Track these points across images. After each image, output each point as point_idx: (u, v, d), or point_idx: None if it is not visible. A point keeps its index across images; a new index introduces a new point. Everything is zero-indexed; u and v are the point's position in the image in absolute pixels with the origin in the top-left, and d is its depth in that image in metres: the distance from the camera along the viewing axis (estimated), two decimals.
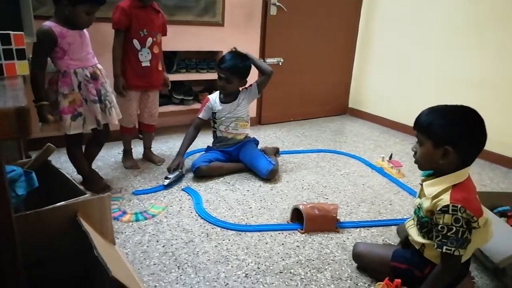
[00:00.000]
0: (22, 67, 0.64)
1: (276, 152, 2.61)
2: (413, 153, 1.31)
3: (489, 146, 1.23)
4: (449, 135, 1.16)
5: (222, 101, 2.31)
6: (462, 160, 1.19)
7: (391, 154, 2.58)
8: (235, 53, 2.23)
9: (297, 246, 1.62)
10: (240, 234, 1.68)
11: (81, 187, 1.03)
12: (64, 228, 0.89)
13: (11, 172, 0.90)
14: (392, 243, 1.65)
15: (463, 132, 1.16)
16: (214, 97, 2.33)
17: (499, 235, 1.33)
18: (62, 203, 0.90)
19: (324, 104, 3.75)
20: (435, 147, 1.18)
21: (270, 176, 2.20)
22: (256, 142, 2.45)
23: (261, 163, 2.22)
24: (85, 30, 1.77)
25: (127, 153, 2.35)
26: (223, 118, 2.29)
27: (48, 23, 1.65)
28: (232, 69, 2.18)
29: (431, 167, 1.25)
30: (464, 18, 2.79)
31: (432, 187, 1.22)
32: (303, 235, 1.69)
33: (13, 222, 0.61)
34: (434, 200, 1.19)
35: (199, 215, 1.81)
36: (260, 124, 3.37)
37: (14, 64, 0.63)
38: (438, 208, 1.16)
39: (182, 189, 2.06)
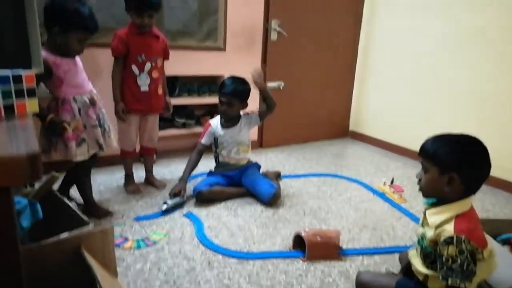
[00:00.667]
0: (32, 105, 0.66)
1: (278, 176, 2.61)
2: (416, 179, 1.31)
3: (491, 170, 1.24)
4: (455, 162, 1.17)
5: (224, 126, 2.32)
6: (467, 188, 1.19)
7: (393, 178, 2.58)
8: (234, 77, 2.28)
9: (299, 274, 1.60)
10: (242, 262, 1.66)
11: (84, 217, 1.03)
12: (67, 261, 0.89)
13: (16, 204, 0.90)
14: (395, 272, 1.63)
15: (469, 160, 1.17)
16: (215, 122, 2.35)
17: (502, 264, 1.31)
18: (66, 235, 0.90)
19: (325, 127, 3.77)
20: (441, 174, 1.19)
21: (273, 201, 2.19)
22: (258, 166, 2.45)
23: (263, 188, 2.22)
24: (77, 57, 1.79)
25: (129, 177, 2.35)
26: (225, 143, 2.30)
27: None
28: (233, 92, 2.21)
29: (436, 194, 1.25)
30: (461, 38, 2.83)
31: (435, 216, 1.21)
32: (305, 263, 1.67)
33: (20, 257, 0.61)
34: (438, 230, 1.18)
35: (200, 242, 1.79)
36: (261, 147, 3.38)
37: (25, 103, 0.64)
38: (441, 239, 1.15)
39: (184, 215, 2.05)
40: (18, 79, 0.64)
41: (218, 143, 2.32)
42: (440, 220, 1.19)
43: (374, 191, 2.52)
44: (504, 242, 1.71)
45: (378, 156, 3.33)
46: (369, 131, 3.73)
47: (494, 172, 1.24)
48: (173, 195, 2.12)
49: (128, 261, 1.62)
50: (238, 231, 1.92)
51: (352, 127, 3.93)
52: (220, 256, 1.70)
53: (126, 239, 1.78)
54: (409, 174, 2.87)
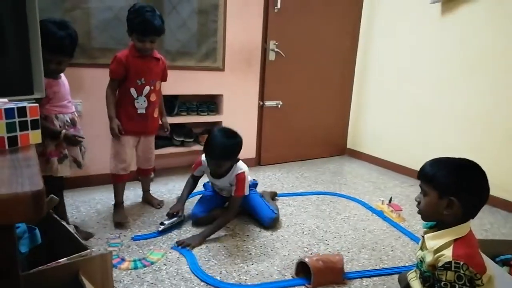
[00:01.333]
0: (35, 137, 0.67)
1: (274, 196, 2.61)
2: (416, 195, 1.32)
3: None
4: (454, 186, 1.18)
5: (214, 176, 2.17)
6: (466, 212, 1.20)
7: (391, 197, 2.59)
8: (222, 134, 1.99)
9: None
10: (240, 284, 1.65)
11: (83, 241, 1.03)
12: (65, 286, 0.89)
13: (16, 228, 0.91)
14: None
15: (468, 185, 1.19)
16: (206, 162, 2.14)
17: (501, 286, 1.31)
18: (64, 260, 0.90)
19: (323, 145, 3.80)
20: (440, 198, 1.20)
21: (273, 225, 2.18)
22: (255, 185, 2.43)
23: (264, 212, 2.19)
24: (65, 79, 1.82)
25: (118, 206, 2.23)
26: (217, 185, 2.22)
27: None
28: (222, 157, 2.00)
29: (435, 218, 1.26)
30: (456, 61, 2.89)
31: (434, 241, 1.22)
32: None
33: (21, 284, 0.61)
34: (436, 255, 1.18)
35: (197, 277, 1.67)
36: (259, 165, 3.40)
37: (28, 134, 0.66)
38: (440, 264, 1.16)
39: (172, 248, 1.90)
40: (22, 111, 0.65)
41: (210, 181, 2.28)
42: (439, 245, 1.19)
43: (373, 210, 2.52)
44: (504, 263, 1.71)
45: (375, 174, 3.34)
46: (367, 149, 3.75)
47: (493, 191, 1.25)
48: (170, 215, 2.11)
49: (125, 283, 1.61)
50: (236, 251, 1.91)
51: (349, 145, 3.95)
52: (218, 277, 1.69)
53: (123, 260, 1.77)
54: (407, 192, 2.88)
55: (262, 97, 3.27)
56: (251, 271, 1.75)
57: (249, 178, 2.23)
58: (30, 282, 0.85)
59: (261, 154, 3.40)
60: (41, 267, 0.86)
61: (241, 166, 2.11)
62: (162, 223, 2.06)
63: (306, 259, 1.66)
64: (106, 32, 2.48)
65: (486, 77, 2.71)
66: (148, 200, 2.42)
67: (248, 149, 3.32)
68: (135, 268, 1.72)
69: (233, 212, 2.11)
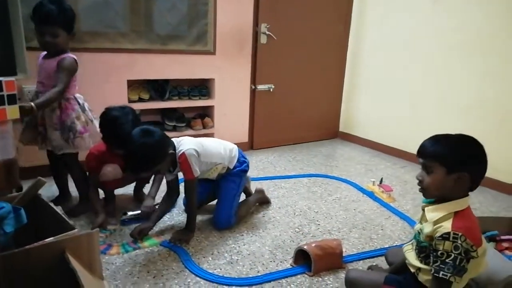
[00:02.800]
0: (13, 112, 0.66)
1: (264, 201, 2.30)
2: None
3: None
4: (464, 160, 1.20)
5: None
6: (473, 185, 1.23)
7: (382, 178, 2.61)
8: (138, 140, 1.64)
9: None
10: (231, 263, 1.67)
11: (70, 222, 1.03)
12: (51, 265, 0.89)
13: (0, 209, 0.91)
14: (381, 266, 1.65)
15: (475, 157, 1.21)
16: None
17: (488, 261, 1.34)
18: (50, 239, 0.90)
19: (315, 129, 3.80)
20: (448, 173, 1.21)
21: (222, 229, 1.96)
22: (242, 172, 2.04)
23: (222, 213, 1.96)
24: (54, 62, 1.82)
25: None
26: None
27: (71, 55, 1.84)
28: (141, 169, 1.73)
29: (441, 194, 1.26)
30: (449, 44, 2.88)
31: (434, 213, 1.24)
32: (313, 277, 1.61)
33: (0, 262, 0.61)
34: (435, 226, 1.20)
35: (192, 272, 1.60)
36: (252, 149, 3.40)
37: (5, 109, 0.65)
38: (438, 235, 1.17)
39: (162, 244, 1.80)
40: None
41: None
42: (439, 216, 1.21)
43: (364, 191, 2.54)
44: (490, 239, 1.74)
45: (367, 157, 3.36)
46: (359, 132, 3.76)
47: None
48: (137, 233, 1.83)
49: (117, 264, 1.62)
50: (228, 233, 1.93)
51: (341, 128, 3.96)
52: (210, 257, 1.70)
53: (110, 246, 1.76)
54: (398, 173, 2.90)
55: (254, 80, 3.26)
56: (243, 252, 1.77)
57: (231, 153, 1.99)
58: (15, 262, 0.85)
59: (254, 138, 3.40)
60: (26, 246, 0.87)
61: (183, 146, 1.80)
62: (125, 213, 1.98)
63: (305, 247, 1.64)
64: (95, 15, 2.44)
65: (479, 61, 2.72)
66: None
67: (241, 133, 3.32)
68: (126, 251, 1.72)
69: (190, 197, 1.87)
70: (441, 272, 1.15)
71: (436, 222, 1.21)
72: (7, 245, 0.92)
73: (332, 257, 1.65)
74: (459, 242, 1.14)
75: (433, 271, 1.18)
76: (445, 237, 1.16)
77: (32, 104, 1.63)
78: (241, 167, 2.03)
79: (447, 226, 1.17)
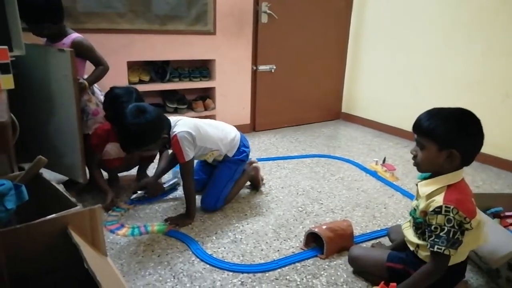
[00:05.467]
0: (7, 82, 0.64)
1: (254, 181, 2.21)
2: (410, 156, 1.32)
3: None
4: (454, 138, 1.17)
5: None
6: (464, 162, 1.20)
7: (385, 157, 2.60)
8: (131, 117, 1.60)
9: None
10: (235, 242, 1.68)
11: (73, 199, 1.02)
12: (54, 241, 0.89)
13: (0, 186, 0.90)
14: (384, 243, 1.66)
15: (466, 135, 1.18)
16: None
17: (492, 236, 1.34)
18: (53, 215, 0.90)
19: (317, 110, 3.77)
20: (439, 150, 1.19)
21: (207, 210, 1.93)
22: (239, 161, 1.99)
23: (210, 195, 1.92)
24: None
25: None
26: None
27: (74, 35, 1.89)
28: (134, 147, 1.70)
29: (433, 169, 1.26)
30: (451, 22, 2.83)
31: (426, 187, 1.23)
32: (326, 260, 1.58)
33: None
34: (428, 201, 1.20)
35: (202, 260, 1.54)
36: (254, 131, 3.38)
37: None
38: (431, 209, 1.17)
39: (166, 234, 1.73)
40: None
41: None
42: (431, 190, 1.21)
43: (367, 171, 2.53)
44: (494, 216, 1.74)
45: (370, 137, 3.34)
46: (361, 112, 3.73)
47: (485, 149, 1.25)
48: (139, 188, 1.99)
49: (122, 244, 1.63)
50: (232, 212, 1.93)
51: (344, 109, 3.93)
52: (213, 237, 1.71)
53: (122, 226, 1.77)
54: (401, 153, 2.89)
55: (255, 61, 3.21)
56: (246, 230, 1.77)
57: (231, 142, 1.95)
58: (17, 238, 0.85)
59: (256, 119, 3.38)
60: (28, 223, 0.86)
61: (177, 127, 1.73)
62: (135, 192, 2.01)
63: (316, 230, 1.61)
64: None
65: (482, 37, 2.66)
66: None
67: (243, 115, 3.29)
68: (132, 234, 1.72)
69: (185, 181, 1.82)
70: (436, 246, 1.15)
71: (429, 197, 1.21)
72: (10, 222, 0.91)
73: (343, 238, 1.62)
74: (451, 215, 1.14)
75: (429, 245, 1.18)
76: (437, 211, 1.16)
77: (86, 82, 1.86)
78: (240, 157, 1.98)
79: (439, 200, 1.17)
